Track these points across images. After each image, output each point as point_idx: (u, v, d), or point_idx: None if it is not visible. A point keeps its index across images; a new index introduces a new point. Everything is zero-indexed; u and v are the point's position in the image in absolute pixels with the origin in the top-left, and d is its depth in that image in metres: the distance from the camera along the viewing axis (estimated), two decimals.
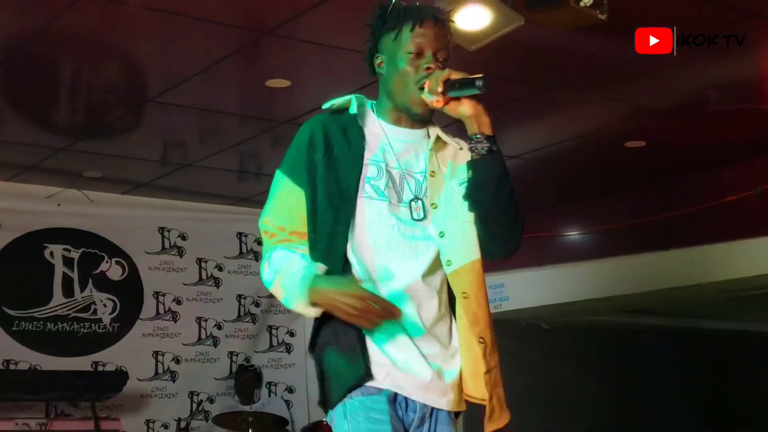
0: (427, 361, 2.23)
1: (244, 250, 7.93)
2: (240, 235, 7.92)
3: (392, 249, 2.23)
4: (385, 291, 2.21)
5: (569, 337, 9.05)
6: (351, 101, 2.33)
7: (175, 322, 7.55)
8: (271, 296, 7.72)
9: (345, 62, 4.83)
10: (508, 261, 8.45)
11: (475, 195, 2.27)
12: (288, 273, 2.20)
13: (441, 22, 2.32)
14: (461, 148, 2.35)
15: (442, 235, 2.26)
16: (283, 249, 2.26)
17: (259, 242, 7.88)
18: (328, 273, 2.19)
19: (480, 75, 2.21)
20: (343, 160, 2.26)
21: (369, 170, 2.26)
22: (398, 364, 2.20)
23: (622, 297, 7.29)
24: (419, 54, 2.28)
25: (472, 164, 2.27)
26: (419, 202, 2.27)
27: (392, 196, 2.26)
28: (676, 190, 6.85)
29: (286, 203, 2.28)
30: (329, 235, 2.23)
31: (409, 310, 2.22)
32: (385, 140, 2.31)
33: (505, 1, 3.79)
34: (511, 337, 8.81)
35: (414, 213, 2.26)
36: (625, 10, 4.24)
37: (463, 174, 2.30)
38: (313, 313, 2.20)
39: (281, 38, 4.58)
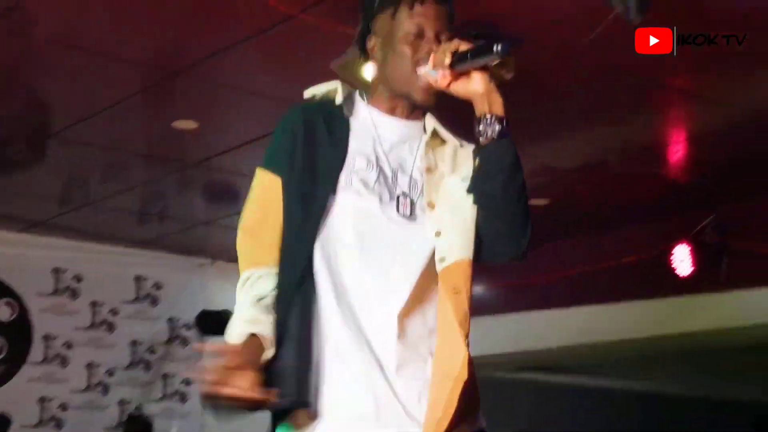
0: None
1: (141, 295, 7.74)
2: (138, 278, 7.73)
3: (376, 256, 1.94)
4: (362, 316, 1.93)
5: (483, 393, 9.05)
6: (337, 90, 2.08)
7: (64, 367, 7.30)
8: (167, 342, 7.78)
9: (255, 106, 4.82)
10: None
11: (483, 186, 1.98)
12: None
13: (443, 0, 2.04)
14: (461, 145, 2.08)
15: (438, 234, 1.97)
16: (245, 293, 1.98)
17: (158, 286, 7.77)
18: (280, 289, 1.94)
19: (502, 39, 1.93)
20: (323, 150, 2.00)
21: (357, 162, 2.00)
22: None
23: (523, 353, 7.36)
24: (419, 35, 2.01)
25: (482, 150, 1.98)
26: (407, 198, 1.99)
27: (383, 193, 1.98)
28: (578, 249, 6.97)
29: (261, 201, 2.04)
30: (294, 236, 1.96)
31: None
32: (376, 132, 2.05)
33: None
34: None
35: (401, 209, 1.98)
36: (531, 71, 4.34)
37: (468, 169, 2.03)
38: None
39: (190, 79, 4.54)
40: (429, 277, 1.97)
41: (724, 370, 9.99)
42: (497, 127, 1.98)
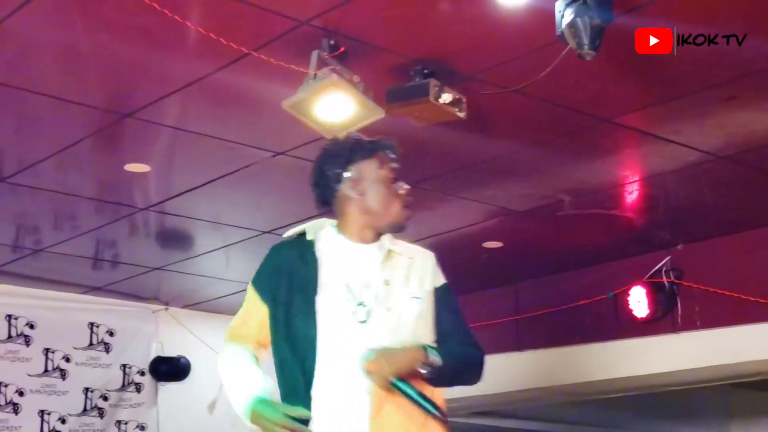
0: None
1: (95, 341, 7.63)
2: (91, 325, 7.62)
3: (340, 363, 2.51)
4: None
5: None
6: (308, 229, 2.67)
7: (16, 414, 7.15)
8: (120, 389, 7.68)
9: (206, 148, 4.79)
10: None
11: (437, 383, 2.58)
12: (237, 386, 2.61)
13: (398, 156, 2.73)
14: (411, 257, 2.66)
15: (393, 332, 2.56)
16: (235, 345, 2.72)
17: (111, 333, 7.67)
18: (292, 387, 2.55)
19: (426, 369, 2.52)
20: (299, 279, 2.58)
21: (325, 288, 2.56)
22: None
23: (475, 398, 7.29)
24: (396, 178, 2.68)
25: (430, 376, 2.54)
26: (365, 306, 2.54)
27: (350, 305, 2.54)
28: (531, 291, 6.97)
29: (246, 314, 2.74)
30: (301, 348, 2.56)
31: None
32: (346, 256, 2.61)
33: (367, 93, 3.82)
34: None
35: (358, 316, 2.53)
36: (484, 110, 4.35)
37: (414, 286, 2.62)
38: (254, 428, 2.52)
39: (141, 121, 4.50)
40: None
41: (680, 410, 10.00)
42: (426, 371, 2.52)
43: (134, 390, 7.71)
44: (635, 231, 6.06)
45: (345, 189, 2.65)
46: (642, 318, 6.21)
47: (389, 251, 2.63)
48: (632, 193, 5.53)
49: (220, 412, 8.00)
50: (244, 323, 2.72)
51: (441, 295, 2.70)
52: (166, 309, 7.82)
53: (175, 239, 6.28)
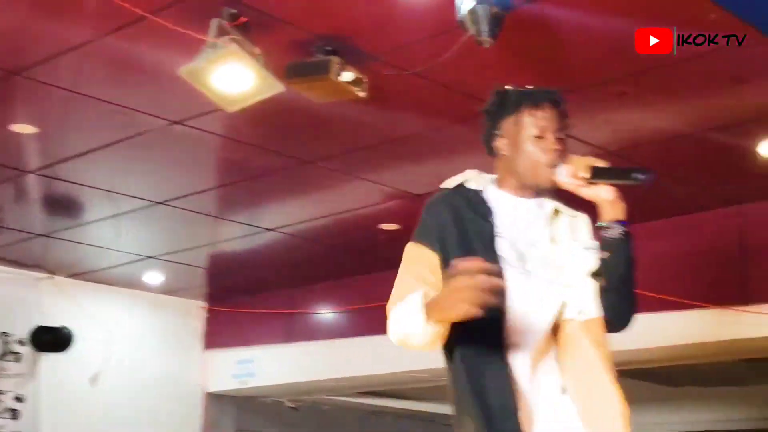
0: None
1: None
2: None
3: (526, 320, 2.32)
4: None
5: (313, 417, 9.02)
6: (469, 178, 2.47)
7: None
8: None
9: (100, 113, 4.69)
10: (258, 336, 8.34)
11: (605, 275, 2.36)
12: (406, 310, 2.28)
13: (557, 104, 2.45)
14: (575, 216, 2.47)
15: (569, 288, 2.38)
16: (402, 300, 2.32)
17: None
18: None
19: (640, 169, 2.32)
20: (474, 227, 2.38)
21: (499, 241, 2.37)
22: None
23: (359, 377, 7.36)
24: (541, 136, 2.41)
25: (608, 247, 2.35)
26: (537, 270, 2.36)
27: (521, 265, 2.36)
28: None
29: (415, 268, 2.37)
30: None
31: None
32: (510, 211, 2.42)
33: (267, 67, 3.80)
34: (257, 415, 8.68)
35: (534, 280, 2.35)
36: (385, 91, 4.37)
37: (585, 238, 2.44)
38: (434, 332, 2.24)
39: (30, 81, 4.37)
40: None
41: None
42: (621, 230, 2.34)
43: (13, 360, 7.52)
44: None
45: (497, 146, 2.47)
46: None
47: (555, 210, 2.45)
48: None
49: (103, 385, 7.90)
50: (410, 278, 2.36)
51: None
52: (52, 278, 7.64)
53: (63, 205, 6.13)
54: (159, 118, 4.78)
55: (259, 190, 5.83)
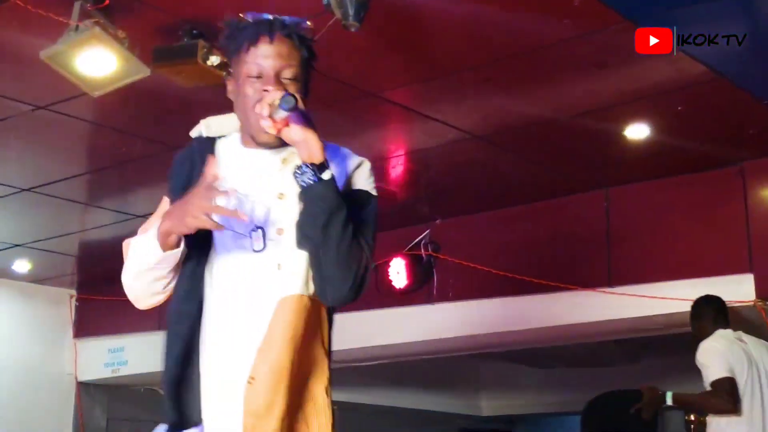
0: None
1: None
2: None
3: (234, 289, 2.03)
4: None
5: None
6: (211, 124, 2.18)
7: None
8: None
9: None
10: (129, 324, 8.19)
11: (305, 229, 2.02)
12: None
13: (282, 36, 2.06)
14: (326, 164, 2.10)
15: (279, 267, 2.04)
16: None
17: None
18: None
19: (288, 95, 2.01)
20: (196, 182, 2.01)
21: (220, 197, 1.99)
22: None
23: None
24: (259, 76, 2.06)
25: (301, 194, 2.02)
26: (259, 231, 2.04)
27: (239, 225, 2.02)
28: None
29: (158, 215, 2.10)
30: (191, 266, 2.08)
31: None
32: (238, 163, 2.11)
33: (132, 50, 3.74)
34: (129, 403, 8.56)
35: (255, 244, 2.03)
36: None
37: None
38: (174, 249, 2.02)
39: None
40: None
41: (434, 381, 10.42)
42: (311, 174, 2.01)
43: None
44: (398, 204, 6.25)
45: (228, 89, 2.15)
46: (400, 288, 6.42)
47: (284, 159, 2.11)
48: (396, 167, 5.70)
49: None
50: (145, 226, 2.14)
51: None
52: None
53: None
54: (22, 102, 4.66)
55: (129, 176, 5.74)
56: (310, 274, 2.04)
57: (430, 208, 6.34)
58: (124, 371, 7.84)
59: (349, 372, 8.72)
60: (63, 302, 8.27)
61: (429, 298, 6.41)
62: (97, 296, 7.89)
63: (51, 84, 4.22)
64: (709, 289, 4.98)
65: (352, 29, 3.48)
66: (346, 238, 2.00)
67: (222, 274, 2.06)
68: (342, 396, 10.01)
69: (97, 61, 3.72)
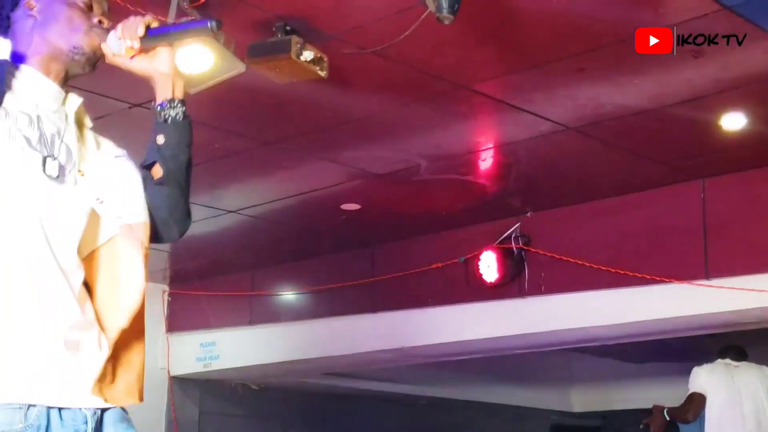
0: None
1: None
2: None
3: (40, 216, 1.86)
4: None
5: (278, 400, 9.03)
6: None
7: None
8: None
9: None
10: (221, 318, 8.29)
11: (168, 164, 2.02)
12: None
13: None
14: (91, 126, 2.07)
15: (100, 201, 1.96)
16: None
17: None
18: None
19: (206, 19, 2.00)
20: None
21: (20, 119, 1.88)
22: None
23: (323, 359, 7.38)
24: (90, 8, 2.02)
25: (165, 130, 2.01)
26: (56, 160, 1.90)
27: (43, 153, 1.89)
28: (387, 254, 7.06)
29: None
30: None
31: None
32: (37, 92, 1.96)
33: (228, 47, 3.78)
34: (220, 398, 8.68)
35: (48, 169, 1.89)
36: (345, 70, 4.37)
37: (111, 148, 2.06)
38: None
39: None
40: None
41: (525, 376, 10.35)
42: (182, 110, 2.02)
43: None
44: (488, 197, 6.21)
45: (26, 5, 2.00)
46: (491, 282, 6.38)
47: (81, 109, 2.02)
48: (486, 160, 5.67)
49: None
50: None
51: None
52: None
53: None
54: (119, 100, 4.74)
55: (221, 171, 5.80)
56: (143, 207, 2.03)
57: (521, 200, 6.29)
58: (216, 366, 7.93)
59: (440, 367, 8.73)
60: (156, 298, 8.40)
61: (520, 292, 6.35)
62: (189, 291, 8.01)
63: (147, 82, 4.28)
64: None
65: (446, 22, 3.46)
66: (190, 174, 2.07)
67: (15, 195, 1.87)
68: (432, 391, 10.03)
69: (195, 58, 3.76)
